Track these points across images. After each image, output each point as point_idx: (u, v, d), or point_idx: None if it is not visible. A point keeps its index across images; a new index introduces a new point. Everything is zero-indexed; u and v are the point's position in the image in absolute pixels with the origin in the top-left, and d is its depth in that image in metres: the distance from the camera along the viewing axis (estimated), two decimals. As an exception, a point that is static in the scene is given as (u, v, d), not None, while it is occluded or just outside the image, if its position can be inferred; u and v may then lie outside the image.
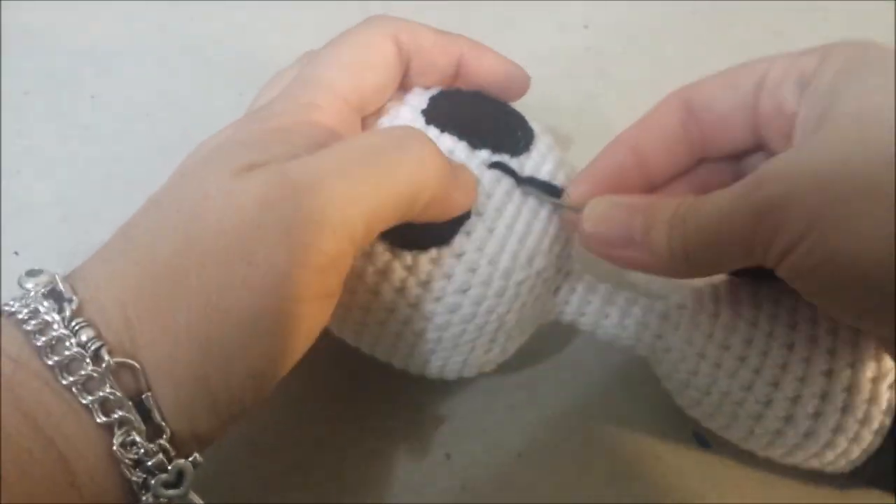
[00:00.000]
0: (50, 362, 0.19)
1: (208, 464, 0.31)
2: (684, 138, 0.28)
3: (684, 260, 0.23)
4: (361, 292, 0.26)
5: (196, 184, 0.22)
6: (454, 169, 0.25)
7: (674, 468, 0.30)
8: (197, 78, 0.43)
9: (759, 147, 0.27)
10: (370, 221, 0.22)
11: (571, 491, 0.30)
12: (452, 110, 0.28)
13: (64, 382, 0.19)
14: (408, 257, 0.26)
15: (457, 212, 0.25)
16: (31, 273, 0.21)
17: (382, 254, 0.26)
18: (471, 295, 0.26)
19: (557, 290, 0.29)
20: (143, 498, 0.20)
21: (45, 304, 0.20)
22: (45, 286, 0.20)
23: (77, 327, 0.19)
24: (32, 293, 0.20)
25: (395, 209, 0.23)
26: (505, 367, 0.32)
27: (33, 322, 0.19)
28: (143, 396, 0.20)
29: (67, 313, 0.19)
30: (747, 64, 0.27)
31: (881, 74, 0.22)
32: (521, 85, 0.29)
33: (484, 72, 0.29)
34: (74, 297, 0.20)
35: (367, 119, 0.28)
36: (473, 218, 0.26)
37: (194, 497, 0.21)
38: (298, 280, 0.20)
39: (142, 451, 0.20)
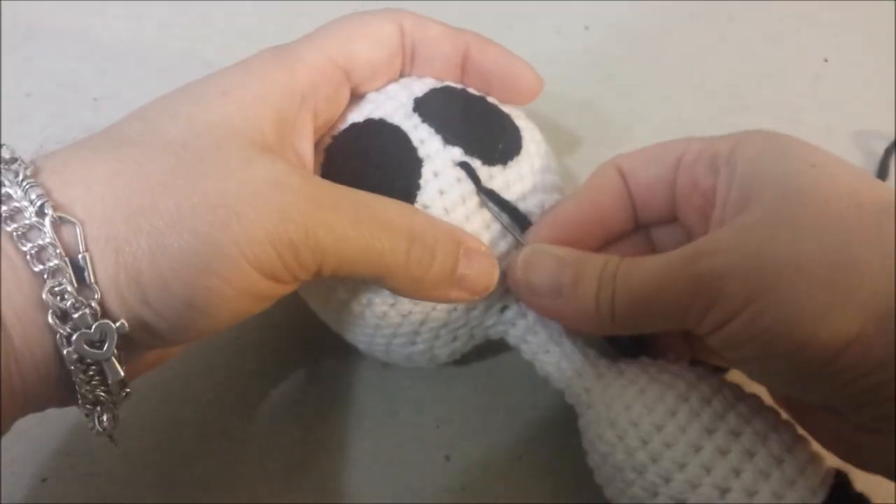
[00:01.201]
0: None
1: (208, 462, 0.31)
2: (629, 199, 0.28)
3: (610, 317, 0.24)
4: None
5: (170, 103, 0.24)
6: (431, 260, 0.25)
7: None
8: (198, 80, 0.43)
9: (673, 219, 0.28)
10: (342, 264, 0.23)
11: (571, 493, 0.30)
12: (444, 105, 0.28)
13: (7, 229, 0.20)
14: None
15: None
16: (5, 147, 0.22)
17: None
18: None
19: (505, 308, 0.29)
20: (65, 352, 0.21)
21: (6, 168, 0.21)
22: (10, 153, 0.22)
23: (28, 186, 0.21)
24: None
25: (366, 269, 0.24)
26: (505, 369, 0.33)
27: None
28: (80, 255, 0.20)
29: (21, 176, 0.21)
30: (669, 142, 0.28)
31: (794, 160, 0.23)
32: (530, 84, 0.30)
33: (489, 66, 0.29)
34: (31, 165, 0.21)
35: (367, 94, 0.29)
36: (418, 208, 0.26)
37: (116, 364, 0.21)
38: (270, 254, 0.22)
39: (69, 302, 0.20)
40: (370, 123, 0.28)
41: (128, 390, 0.23)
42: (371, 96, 0.29)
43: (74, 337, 0.20)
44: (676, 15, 0.46)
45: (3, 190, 0.21)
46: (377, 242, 0.23)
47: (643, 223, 0.29)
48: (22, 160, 0.21)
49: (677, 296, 0.23)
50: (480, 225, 0.27)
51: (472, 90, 0.29)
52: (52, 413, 0.23)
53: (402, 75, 0.30)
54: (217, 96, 0.24)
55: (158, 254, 0.21)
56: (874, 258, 0.21)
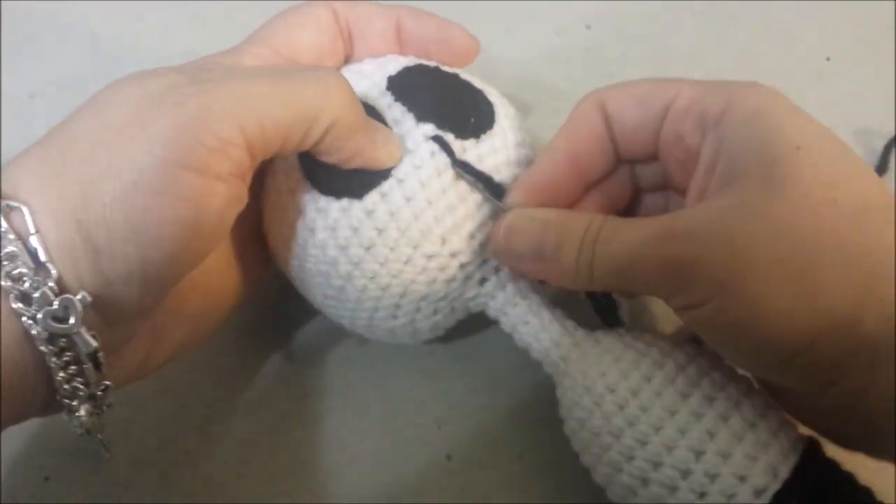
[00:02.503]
0: None
1: (211, 463, 0.31)
2: (610, 140, 0.28)
3: (589, 280, 0.25)
4: (284, 225, 0.28)
5: (112, 85, 0.24)
6: (374, 122, 0.26)
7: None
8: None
9: (656, 159, 0.29)
10: (265, 123, 0.23)
11: (572, 492, 0.30)
12: (416, 83, 0.28)
13: None
14: (321, 200, 0.27)
15: (367, 161, 0.26)
16: None
17: (301, 192, 0.27)
18: (374, 253, 0.27)
19: (484, 280, 0.29)
20: (34, 332, 0.21)
21: None
22: None
23: None
24: None
25: (293, 122, 0.24)
26: (506, 368, 0.33)
27: None
28: (31, 236, 0.21)
29: None
30: (658, 83, 0.27)
31: (781, 141, 0.23)
32: (465, 46, 0.30)
33: (422, 34, 0.30)
34: None
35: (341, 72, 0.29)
36: (392, 181, 0.26)
37: (85, 334, 0.22)
38: (183, 148, 0.22)
39: (27, 283, 0.21)
40: None
41: (107, 383, 0.23)
42: (346, 76, 0.29)
43: (40, 315, 0.21)
44: (678, 14, 0.46)
45: None
46: (293, 86, 0.24)
47: (626, 160, 0.29)
48: None
49: (648, 275, 0.24)
50: (456, 198, 0.27)
51: (445, 68, 0.30)
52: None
53: (345, 58, 0.30)
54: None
55: (90, 198, 0.21)
56: (839, 267, 0.22)
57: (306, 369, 0.34)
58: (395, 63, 0.29)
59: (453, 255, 0.27)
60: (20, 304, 0.21)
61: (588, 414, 0.26)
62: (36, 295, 0.21)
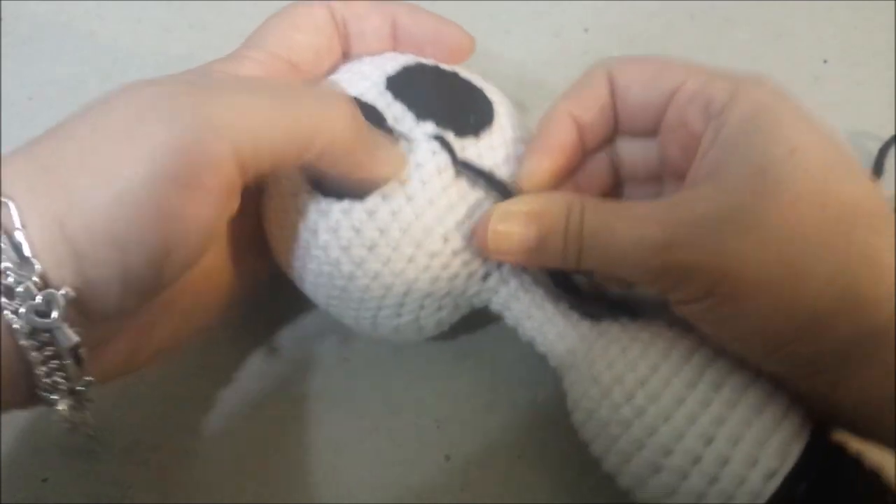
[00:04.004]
0: None
1: (209, 462, 0.31)
2: (613, 111, 0.29)
3: (576, 266, 0.26)
4: (286, 227, 0.28)
5: (112, 92, 0.24)
6: (376, 137, 0.26)
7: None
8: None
9: (652, 135, 0.29)
10: (258, 145, 0.23)
11: (571, 492, 0.30)
12: (415, 82, 0.29)
13: None
14: (323, 202, 0.27)
15: (366, 176, 0.26)
16: None
17: (303, 194, 0.27)
18: (377, 253, 0.27)
19: (487, 276, 0.29)
20: (16, 326, 0.21)
21: None
22: None
23: None
24: None
25: (289, 139, 0.24)
26: (505, 368, 0.33)
27: None
28: (16, 231, 0.21)
29: None
30: (668, 65, 0.28)
31: (777, 143, 0.24)
32: (460, 43, 0.30)
33: (417, 31, 0.30)
34: None
35: (340, 72, 0.30)
36: (394, 183, 0.27)
37: (67, 329, 0.22)
38: (173, 163, 0.22)
39: (11, 278, 0.21)
40: None
41: (89, 378, 0.23)
42: (345, 76, 0.29)
43: (22, 310, 0.21)
44: (675, 17, 0.46)
45: None
46: (291, 108, 0.24)
47: (619, 133, 0.30)
48: None
49: (643, 275, 0.25)
50: (457, 196, 0.27)
51: (443, 66, 0.30)
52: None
53: (342, 55, 0.30)
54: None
55: (75, 204, 0.21)
56: (820, 272, 0.23)
57: (305, 370, 0.34)
58: (394, 62, 0.29)
59: (455, 252, 0.27)
60: (3, 299, 0.21)
61: (596, 405, 0.26)
62: (19, 289, 0.21)
